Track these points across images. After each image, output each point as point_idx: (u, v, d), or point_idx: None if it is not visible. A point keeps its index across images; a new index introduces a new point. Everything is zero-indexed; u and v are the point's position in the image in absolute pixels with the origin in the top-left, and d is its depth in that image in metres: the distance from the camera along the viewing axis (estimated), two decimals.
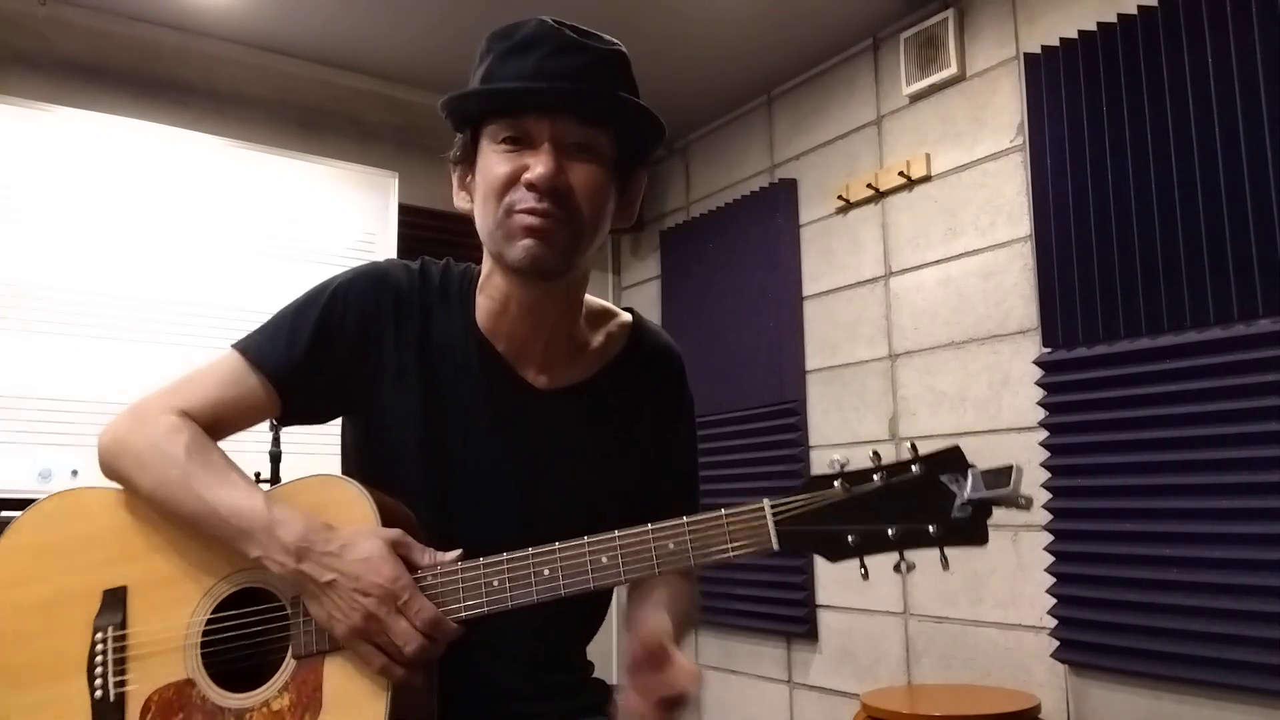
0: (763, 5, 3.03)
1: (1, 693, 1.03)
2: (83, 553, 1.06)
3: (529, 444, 1.13)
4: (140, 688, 1.01)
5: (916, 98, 3.02)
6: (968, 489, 0.87)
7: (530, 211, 1.03)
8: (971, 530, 0.88)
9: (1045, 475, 2.48)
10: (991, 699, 2.44)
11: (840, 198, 3.23)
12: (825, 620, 3.15)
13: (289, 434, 2.45)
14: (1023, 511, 0.87)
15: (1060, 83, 2.53)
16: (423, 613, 0.95)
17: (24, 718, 1.02)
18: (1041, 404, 2.52)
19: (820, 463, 3.23)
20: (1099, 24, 2.46)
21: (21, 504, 2.63)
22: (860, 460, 0.93)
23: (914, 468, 0.89)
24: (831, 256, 3.29)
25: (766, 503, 0.92)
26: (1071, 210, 2.48)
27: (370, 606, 0.94)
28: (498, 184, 1.05)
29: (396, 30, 3.16)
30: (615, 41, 1.09)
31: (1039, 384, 2.53)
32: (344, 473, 1.14)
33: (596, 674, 1.26)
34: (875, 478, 0.90)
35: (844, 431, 3.16)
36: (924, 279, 2.95)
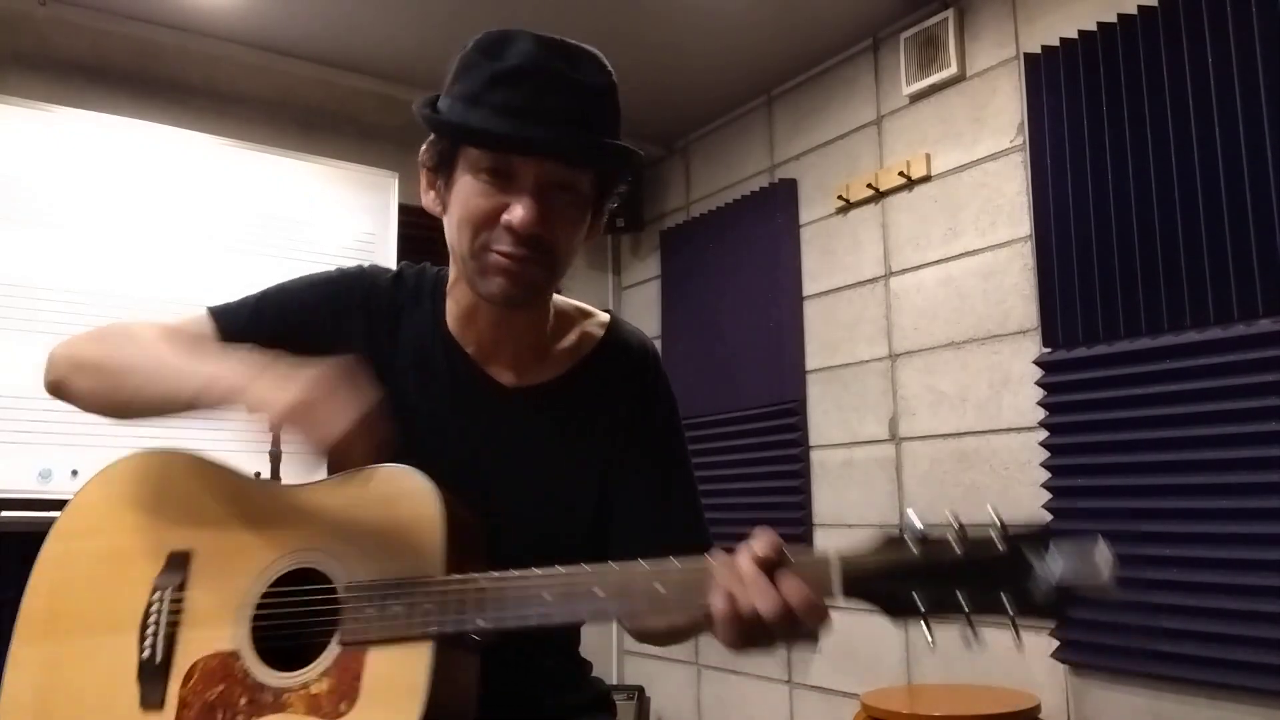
0: (763, 5, 3.03)
1: (63, 638, 1.06)
2: (157, 512, 1.08)
3: (496, 441, 1.14)
4: (187, 652, 1.02)
5: (916, 98, 3.02)
6: (1052, 571, 0.83)
7: (507, 255, 1.04)
8: (1050, 611, 0.84)
9: (1045, 475, 2.48)
10: (991, 699, 2.44)
11: (840, 198, 3.23)
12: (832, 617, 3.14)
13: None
14: (1103, 599, 0.82)
15: (1060, 83, 2.53)
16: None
17: (75, 663, 1.05)
18: (1041, 404, 2.52)
19: (820, 463, 3.23)
20: (1099, 24, 2.46)
21: (21, 504, 2.65)
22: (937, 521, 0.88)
23: (997, 540, 0.85)
24: (831, 256, 3.29)
25: (833, 551, 0.89)
26: (1071, 210, 2.48)
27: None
28: (476, 218, 1.05)
29: (396, 30, 3.15)
30: (606, 68, 1.08)
31: (1039, 384, 2.53)
32: None
33: (594, 674, 1.25)
34: (955, 545, 0.86)
35: (844, 431, 3.15)
36: (924, 279, 2.95)
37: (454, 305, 1.17)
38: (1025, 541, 0.84)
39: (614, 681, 3.81)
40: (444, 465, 1.11)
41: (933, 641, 0.85)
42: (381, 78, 3.44)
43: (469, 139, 1.06)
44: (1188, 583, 2.18)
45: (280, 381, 0.93)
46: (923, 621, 0.85)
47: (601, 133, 1.07)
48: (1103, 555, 0.82)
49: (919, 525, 0.86)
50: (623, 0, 2.97)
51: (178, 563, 1.05)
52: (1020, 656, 2.55)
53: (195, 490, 1.09)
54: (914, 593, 0.85)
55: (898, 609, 0.86)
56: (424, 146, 1.13)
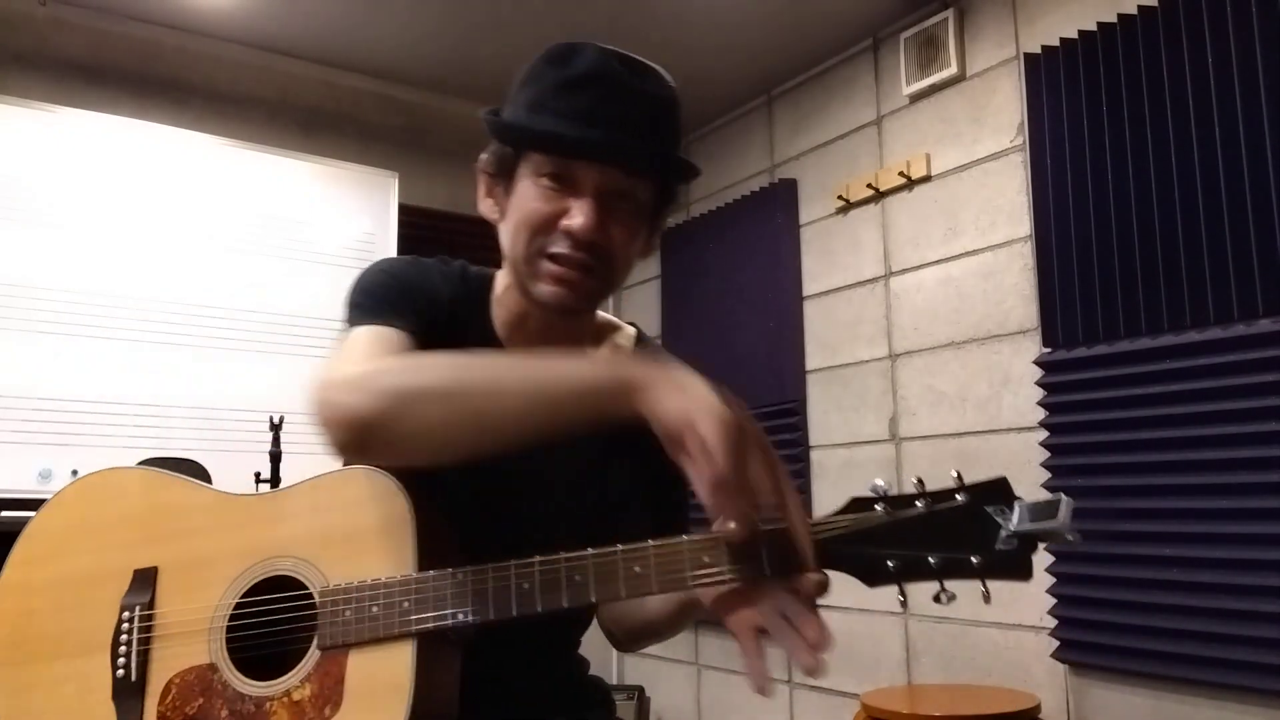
0: (763, 5, 3.03)
1: (28, 665, 1.04)
2: (118, 531, 1.07)
3: (537, 448, 1.14)
4: (162, 669, 1.01)
5: (916, 98, 3.02)
6: (1014, 521, 0.85)
7: (564, 259, 1.04)
8: (1016, 564, 0.85)
9: (1045, 475, 2.48)
10: (991, 699, 2.44)
11: (840, 198, 3.23)
12: (825, 620, 3.14)
13: (288, 434, 2.45)
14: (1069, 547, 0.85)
15: (1060, 83, 2.53)
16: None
17: (48, 690, 1.03)
18: (1041, 404, 2.52)
19: (821, 463, 3.23)
20: (1099, 24, 2.46)
21: (21, 504, 2.66)
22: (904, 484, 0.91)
23: (958, 496, 0.87)
24: (831, 256, 3.29)
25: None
26: (1071, 210, 2.48)
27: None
28: (535, 222, 1.05)
29: (396, 30, 3.15)
30: (670, 83, 1.08)
31: (1039, 384, 2.53)
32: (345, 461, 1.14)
33: (594, 673, 1.25)
34: (918, 504, 0.88)
35: (844, 431, 3.15)
36: (924, 279, 2.95)
37: (503, 312, 1.15)
38: (985, 492, 0.88)
39: (614, 681, 3.81)
40: (483, 469, 1.11)
41: (905, 602, 0.89)
42: (381, 78, 3.44)
43: (532, 143, 1.05)
44: (1188, 583, 2.18)
45: (700, 389, 0.87)
46: (897, 585, 0.89)
47: (663, 144, 1.07)
48: (1062, 502, 0.84)
49: (881, 482, 0.90)
50: (624, 0, 2.98)
51: (144, 580, 1.03)
52: (1020, 656, 2.55)
53: (154, 506, 1.07)
54: (888, 561, 0.88)
55: (872, 576, 0.89)
56: (484, 153, 1.12)
